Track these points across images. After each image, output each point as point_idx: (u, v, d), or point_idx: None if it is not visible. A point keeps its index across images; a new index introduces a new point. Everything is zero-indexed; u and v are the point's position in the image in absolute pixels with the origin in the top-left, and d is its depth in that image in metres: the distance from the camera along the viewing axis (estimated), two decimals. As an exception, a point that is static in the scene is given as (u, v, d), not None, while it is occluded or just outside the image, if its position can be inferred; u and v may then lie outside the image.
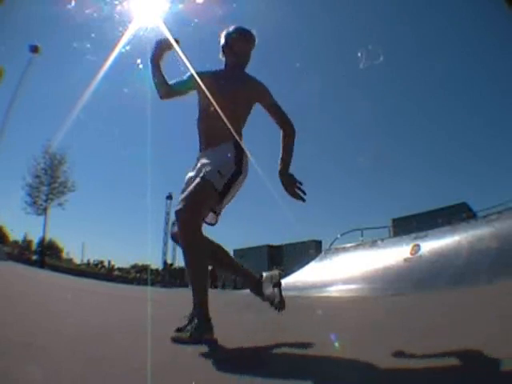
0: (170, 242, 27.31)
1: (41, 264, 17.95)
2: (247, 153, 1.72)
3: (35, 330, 1.41)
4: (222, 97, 1.69)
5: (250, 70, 1.89)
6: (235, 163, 1.62)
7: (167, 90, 1.84)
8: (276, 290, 1.77)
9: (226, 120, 1.66)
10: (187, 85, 1.83)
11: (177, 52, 1.79)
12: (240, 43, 1.80)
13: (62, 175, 20.55)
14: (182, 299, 1.80)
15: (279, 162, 1.69)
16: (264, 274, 1.79)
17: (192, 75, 1.81)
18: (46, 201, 19.99)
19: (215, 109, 1.67)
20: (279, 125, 1.76)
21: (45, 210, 19.90)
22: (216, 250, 1.69)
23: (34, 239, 24.66)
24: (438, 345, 1.33)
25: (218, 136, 1.68)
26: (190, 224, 1.45)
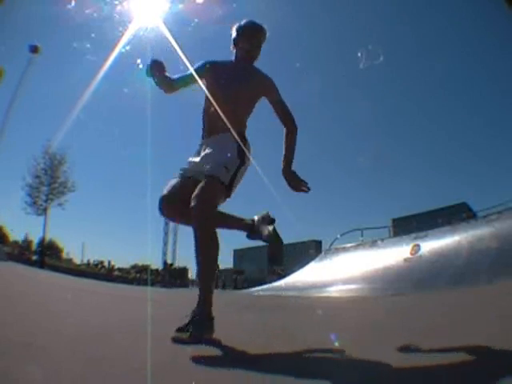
0: (170, 242, 27.36)
1: (41, 264, 17.95)
2: (249, 142, 1.76)
3: (35, 330, 1.41)
4: (230, 87, 1.74)
5: None
6: (239, 157, 1.67)
7: (170, 85, 1.82)
8: (271, 227, 1.82)
9: (231, 110, 1.71)
10: (193, 76, 1.82)
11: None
12: (250, 37, 1.82)
13: (61, 175, 20.55)
14: (182, 299, 1.80)
15: (282, 159, 1.73)
16: (255, 217, 1.83)
17: (200, 65, 1.83)
18: (45, 201, 19.99)
19: (222, 99, 1.72)
20: (282, 121, 1.79)
21: (45, 210, 19.90)
22: None
23: (34, 239, 24.67)
24: (438, 345, 1.33)
25: (222, 125, 1.71)
26: (205, 223, 1.50)
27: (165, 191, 1.65)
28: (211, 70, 1.82)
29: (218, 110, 1.71)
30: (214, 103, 1.74)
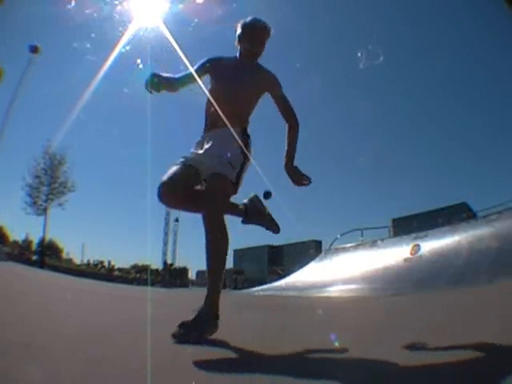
0: (170, 243, 27.38)
1: (41, 264, 17.94)
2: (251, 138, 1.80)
3: (35, 330, 1.41)
4: (234, 83, 1.77)
5: None
6: (242, 153, 1.70)
7: (172, 86, 1.83)
8: (266, 211, 1.90)
9: (235, 105, 1.75)
10: (197, 73, 1.84)
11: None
12: (254, 34, 1.85)
13: (61, 175, 20.53)
14: (182, 299, 1.80)
15: (284, 154, 1.77)
16: (245, 201, 1.88)
17: (205, 61, 1.85)
18: (45, 201, 19.98)
19: (226, 94, 1.75)
20: (285, 117, 1.83)
21: (45, 210, 19.89)
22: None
23: (34, 239, 24.65)
24: (438, 345, 1.33)
25: (226, 120, 1.73)
26: (219, 224, 1.54)
27: (165, 177, 1.64)
28: (216, 66, 1.85)
29: (222, 105, 1.74)
30: (218, 98, 1.77)
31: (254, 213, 1.86)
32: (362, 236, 12.83)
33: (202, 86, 1.84)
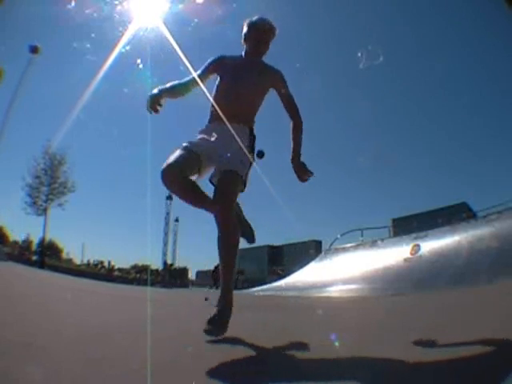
0: (170, 243, 27.38)
1: (41, 264, 17.92)
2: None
3: (35, 330, 1.41)
4: (240, 81, 1.82)
5: None
6: (250, 152, 1.76)
7: (176, 93, 1.89)
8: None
9: (242, 103, 1.80)
10: (202, 75, 1.89)
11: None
12: (259, 33, 1.89)
13: (61, 176, 20.50)
14: (181, 299, 1.80)
15: (291, 151, 1.80)
16: None
17: (211, 61, 1.90)
18: (45, 201, 19.95)
19: (233, 91, 1.80)
20: (290, 114, 1.87)
21: (45, 210, 19.87)
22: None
23: (34, 239, 24.65)
24: (439, 345, 1.33)
25: (233, 115, 1.77)
26: (230, 217, 1.62)
27: (170, 160, 1.64)
28: (222, 64, 1.89)
29: (230, 102, 1.78)
30: (226, 95, 1.81)
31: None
32: (362, 236, 12.85)
33: (206, 91, 1.88)
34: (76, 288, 5.57)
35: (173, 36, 1.91)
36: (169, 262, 27.76)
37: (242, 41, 1.93)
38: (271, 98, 1.90)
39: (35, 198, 19.84)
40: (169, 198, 24.53)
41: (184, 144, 1.75)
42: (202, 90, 1.88)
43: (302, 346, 1.38)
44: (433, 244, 8.17)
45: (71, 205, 22.20)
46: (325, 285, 8.92)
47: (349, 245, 12.25)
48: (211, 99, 1.86)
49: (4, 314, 1.72)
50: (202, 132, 1.83)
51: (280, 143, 1.86)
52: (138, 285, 17.57)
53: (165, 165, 1.63)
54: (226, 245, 1.63)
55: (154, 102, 1.76)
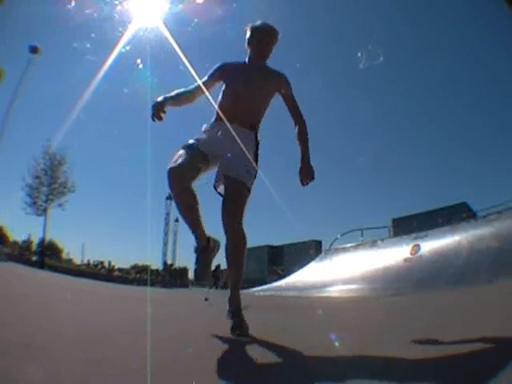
0: (170, 243, 27.39)
1: (41, 264, 17.92)
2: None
3: (35, 330, 1.41)
4: (246, 86, 1.83)
5: None
6: (256, 160, 1.78)
7: (189, 99, 1.91)
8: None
9: (248, 108, 1.82)
10: (209, 80, 1.91)
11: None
12: (263, 37, 1.90)
13: (61, 176, 20.51)
14: (181, 299, 1.80)
15: (300, 154, 1.80)
16: (212, 237, 1.86)
17: (215, 69, 1.92)
18: (45, 201, 19.95)
19: (239, 97, 1.81)
20: (294, 117, 1.88)
21: (45, 210, 19.87)
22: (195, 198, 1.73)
23: (34, 240, 24.65)
24: (439, 345, 1.33)
25: (240, 121, 1.79)
26: (240, 227, 1.67)
27: (179, 161, 1.64)
28: (227, 71, 1.91)
29: (237, 107, 1.80)
30: (232, 101, 1.83)
31: (209, 252, 1.82)
32: (362, 236, 12.84)
33: (211, 98, 1.89)
34: (76, 288, 5.57)
35: (173, 36, 1.91)
36: (169, 262, 27.78)
37: (246, 45, 1.94)
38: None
39: (35, 198, 19.84)
40: (169, 198, 24.53)
41: (191, 141, 1.76)
42: (207, 97, 1.89)
43: (302, 346, 1.38)
44: (433, 244, 8.16)
45: (71, 205, 22.20)
46: (325, 285, 8.92)
47: (349, 245, 12.24)
48: (216, 106, 1.87)
49: (4, 314, 1.72)
50: (207, 130, 1.84)
51: (280, 143, 1.86)
52: (138, 285, 17.56)
53: (172, 164, 1.63)
54: (235, 257, 1.70)
55: (159, 110, 1.76)
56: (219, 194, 1.76)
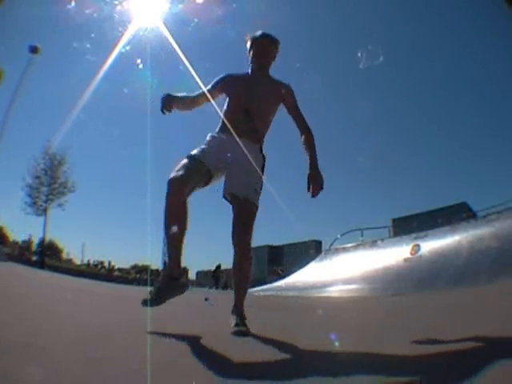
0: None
1: (41, 264, 17.93)
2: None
3: (35, 331, 1.41)
4: (251, 98, 1.81)
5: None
6: (262, 176, 1.80)
7: (191, 105, 1.92)
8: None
9: (254, 120, 1.81)
10: (211, 91, 1.90)
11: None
12: (262, 45, 1.90)
13: (61, 176, 20.55)
14: (181, 299, 1.80)
15: (308, 161, 1.77)
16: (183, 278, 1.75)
17: (218, 81, 1.91)
18: (45, 201, 19.99)
19: (244, 109, 1.80)
20: (300, 127, 1.87)
21: (45, 210, 19.90)
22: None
23: (34, 240, 24.67)
24: (438, 345, 1.33)
25: (245, 134, 1.78)
26: (249, 246, 1.76)
27: (181, 172, 1.63)
28: (230, 83, 1.90)
29: (242, 119, 1.79)
30: (237, 113, 1.81)
31: (178, 288, 1.69)
32: (362, 236, 12.86)
33: (215, 105, 1.90)
34: (76, 288, 5.57)
35: (173, 36, 1.92)
36: (169, 262, 27.71)
37: (248, 56, 1.93)
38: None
39: (35, 198, 19.88)
40: (169, 198, 24.49)
41: (196, 152, 1.74)
42: (210, 105, 1.89)
43: (302, 346, 1.38)
44: (433, 244, 8.17)
45: (71, 205, 22.25)
46: (325, 285, 8.92)
47: (349, 245, 12.25)
48: (221, 117, 1.87)
49: (4, 314, 1.72)
50: (213, 141, 1.82)
51: (279, 143, 1.86)
52: (138, 285, 17.57)
53: (173, 175, 1.62)
54: (243, 271, 1.77)
55: (170, 102, 1.78)
56: (228, 201, 1.78)
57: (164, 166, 1.65)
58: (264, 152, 1.85)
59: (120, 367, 0.97)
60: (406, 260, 8.17)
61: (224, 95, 1.90)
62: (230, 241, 1.73)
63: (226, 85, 1.89)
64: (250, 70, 1.93)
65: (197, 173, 1.67)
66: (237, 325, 1.67)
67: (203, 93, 1.88)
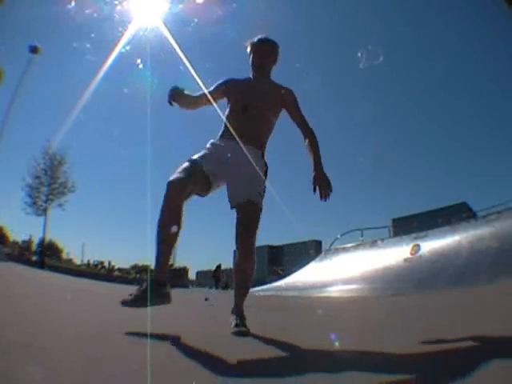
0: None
1: (41, 264, 17.93)
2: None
3: (35, 331, 1.41)
4: (254, 103, 1.81)
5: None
6: (265, 182, 1.80)
7: (193, 105, 1.93)
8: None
9: (256, 125, 1.82)
10: (213, 94, 1.91)
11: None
12: (259, 47, 1.91)
13: (61, 176, 20.55)
14: (181, 299, 1.80)
15: (312, 164, 1.75)
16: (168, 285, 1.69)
17: (219, 84, 1.91)
18: (45, 201, 19.98)
19: (247, 114, 1.80)
20: (304, 132, 1.85)
21: (45, 210, 19.89)
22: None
23: (35, 240, 24.67)
24: (438, 345, 1.33)
25: (248, 139, 1.77)
26: (253, 250, 1.75)
27: (180, 176, 1.63)
28: (232, 87, 1.90)
29: (244, 125, 1.79)
30: (239, 118, 1.81)
31: (164, 295, 1.64)
32: (362, 236, 12.86)
33: (217, 108, 1.90)
34: (76, 288, 5.58)
35: (173, 36, 1.92)
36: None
37: (248, 62, 1.93)
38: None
39: (35, 198, 19.87)
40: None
41: (197, 157, 1.74)
42: (213, 109, 1.89)
43: (302, 346, 1.38)
44: (433, 244, 8.17)
45: (71, 205, 22.24)
46: (325, 285, 8.92)
47: (349, 245, 12.25)
48: (223, 122, 1.86)
49: (4, 314, 1.72)
50: (213, 147, 1.82)
51: (279, 143, 1.86)
52: (138, 285, 17.56)
53: (173, 178, 1.62)
54: (247, 275, 1.78)
55: (177, 96, 1.80)
56: (233, 207, 1.76)
57: (164, 166, 1.66)
58: (266, 158, 1.85)
59: (120, 367, 0.97)
60: (405, 260, 8.16)
61: (225, 99, 1.91)
62: (230, 241, 1.73)
63: (228, 89, 1.89)
64: (251, 76, 1.93)
65: (196, 178, 1.67)
66: (237, 325, 1.68)
67: (204, 94, 1.88)
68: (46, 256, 21.79)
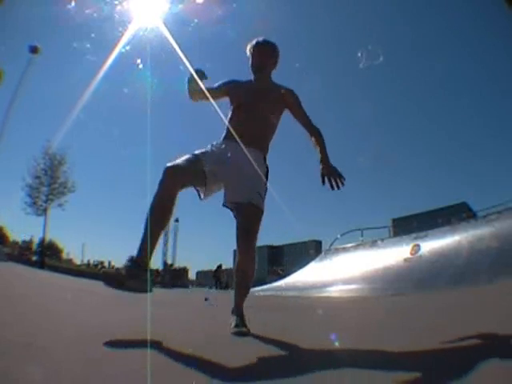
0: (170, 243, 27.42)
1: (41, 264, 17.92)
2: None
3: (35, 331, 1.41)
4: (256, 105, 1.82)
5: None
6: (266, 183, 1.80)
7: (198, 95, 1.93)
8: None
9: (258, 128, 1.82)
10: (219, 90, 1.93)
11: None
12: (257, 48, 1.91)
13: (61, 176, 20.52)
14: (182, 299, 1.80)
15: (319, 157, 1.78)
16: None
17: (224, 82, 1.93)
18: (45, 201, 19.96)
19: (249, 116, 1.81)
20: (308, 130, 1.86)
21: (45, 210, 19.88)
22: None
23: (35, 240, 24.67)
24: (438, 345, 1.33)
25: (250, 141, 1.77)
26: (254, 252, 1.74)
27: (177, 164, 1.62)
28: (235, 88, 1.91)
29: (246, 127, 1.79)
30: (242, 120, 1.82)
31: (128, 276, 1.53)
32: (362, 236, 12.87)
33: (218, 108, 1.91)
34: (76, 288, 5.57)
35: (173, 36, 1.91)
36: (169, 262, 27.78)
37: (249, 65, 1.94)
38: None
39: (35, 198, 19.86)
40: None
41: (198, 153, 1.73)
42: (212, 106, 1.90)
43: (302, 346, 1.38)
44: (433, 244, 8.17)
45: (71, 205, 22.23)
46: (325, 285, 8.92)
47: (349, 245, 12.25)
48: (226, 125, 1.87)
49: (4, 314, 1.72)
50: (215, 147, 1.81)
51: (279, 143, 1.85)
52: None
53: (170, 164, 1.61)
54: (244, 276, 1.78)
55: (200, 77, 1.84)
56: (229, 209, 1.77)
57: (164, 166, 1.64)
58: (267, 162, 1.84)
59: (120, 367, 0.97)
60: (405, 260, 8.17)
61: (226, 98, 1.92)
62: (230, 241, 1.72)
63: (229, 89, 1.91)
64: (252, 77, 1.94)
65: (196, 170, 1.66)
66: (237, 325, 1.68)
67: (209, 89, 1.90)
68: (46, 256, 21.78)
